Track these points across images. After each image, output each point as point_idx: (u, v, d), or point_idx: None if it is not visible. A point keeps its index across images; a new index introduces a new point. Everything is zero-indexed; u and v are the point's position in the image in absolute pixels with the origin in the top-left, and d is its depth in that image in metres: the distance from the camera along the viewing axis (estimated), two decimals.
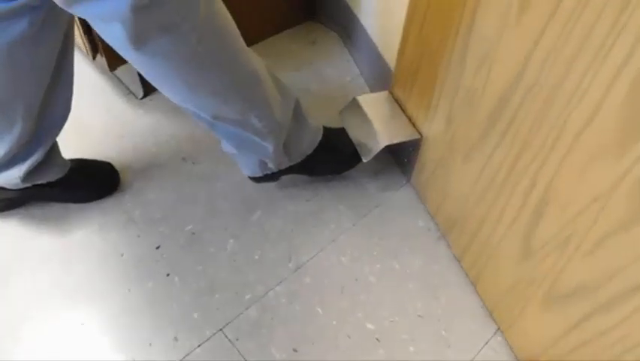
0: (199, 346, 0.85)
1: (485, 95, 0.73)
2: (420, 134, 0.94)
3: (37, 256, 0.94)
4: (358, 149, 0.96)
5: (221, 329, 0.86)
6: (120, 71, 1.09)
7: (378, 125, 0.96)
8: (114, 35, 0.63)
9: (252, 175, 0.97)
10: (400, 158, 1.05)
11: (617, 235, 0.58)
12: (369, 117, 0.97)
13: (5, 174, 0.88)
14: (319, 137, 0.96)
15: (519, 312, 0.80)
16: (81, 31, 0.97)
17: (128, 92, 1.17)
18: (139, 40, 0.63)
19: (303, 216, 1.00)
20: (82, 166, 0.99)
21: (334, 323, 0.88)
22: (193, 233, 0.98)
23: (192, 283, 0.92)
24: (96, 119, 1.12)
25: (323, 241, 0.97)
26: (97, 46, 0.94)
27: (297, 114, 0.90)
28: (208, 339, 0.85)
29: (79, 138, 1.05)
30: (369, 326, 0.87)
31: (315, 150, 0.96)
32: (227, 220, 1.00)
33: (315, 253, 0.95)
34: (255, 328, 0.87)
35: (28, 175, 0.88)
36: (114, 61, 1.02)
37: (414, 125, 0.96)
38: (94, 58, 0.98)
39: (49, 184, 0.94)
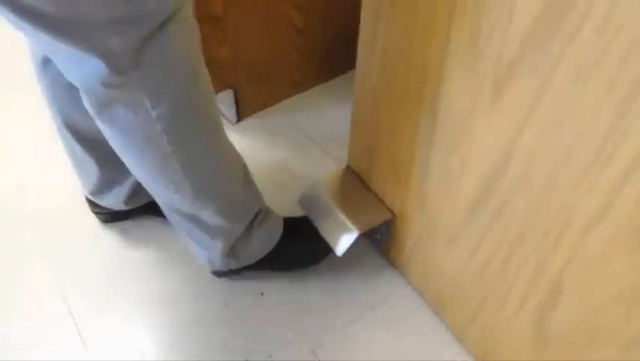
0: None
1: (463, 181, 0.67)
2: (392, 213, 0.87)
3: (136, 266, 0.97)
4: (329, 242, 0.87)
5: (313, 351, 0.85)
6: (217, 97, 1.13)
7: (347, 212, 0.87)
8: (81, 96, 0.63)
9: (206, 267, 0.91)
10: (374, 236, 0.97)
11: None
12: (333, 204, 0.88)
13: (108, 199, 0.93)
14: (277, 238, 0.87)
15: None
16: None
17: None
18: (100, 108, 0.62)
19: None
20: None
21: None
22: None
23: (286, 303, 0.91)
24: None
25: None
26: None
27: (254, 223, 0.83)
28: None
29: None
30: None
31: (276, 248, 0.87)
32: None
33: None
34: (346, 350, 0.86)
35: (129, 199, 0.92)
36: (217, 86, 1.02)
37: (382, 202, 0.88)
38: None
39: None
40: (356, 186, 0.92)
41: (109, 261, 0.97)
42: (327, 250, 0.88)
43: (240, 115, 1.22)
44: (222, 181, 0.75)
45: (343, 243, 0.85)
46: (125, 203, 0.93)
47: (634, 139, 0.44)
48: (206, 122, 0.68)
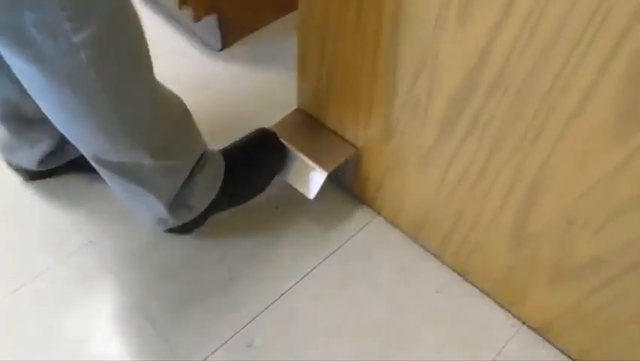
0: None
1: (433, 101, 0.66)
2: (355, 147, 0.85)
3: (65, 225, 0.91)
4: (297, 188, 0.84)
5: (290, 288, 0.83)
6: (199, 23, 1.10)
7: (310, 154, 0.84)
8: None
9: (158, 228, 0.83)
10: (336, 174, 0.95)
11: (629, 211, 0.55)
12: (294, 149, 0.85)
13: (19, 158, 0.85)
14: (221, 172, 0.81)
15: (523, 290, 0.78)
16: None
17: (204, 45, 1.18)
18: (12, 35, 0.50)
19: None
20: None
21: None
22: None
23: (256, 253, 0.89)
24: (177, 72, 1.04)
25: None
26: None
27: (196, 167, 0.76)
28: None
29: None
30: None
31: (222, 187, 0.81)
32: None
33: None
34: (324, 285, 0.85)
35: (45, 160, 0.84)
36: (200, 11, 1.04)
37: (343, 138, 0.86)
38: (179, 8, 1.01)
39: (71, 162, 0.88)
40: (312, 126, 0.88)
41: (34, 224, 0.90)
42: (270, 173, 0.86)
43: (225, 42, 1.17)
44: (160, 123, 0.67)
45: (314, 186, 0.83)
46: (38, 165, 0.85)
47: (610, 30, 0.45)
48: (137, 53, 0.60)
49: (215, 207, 0.82)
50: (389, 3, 0.60)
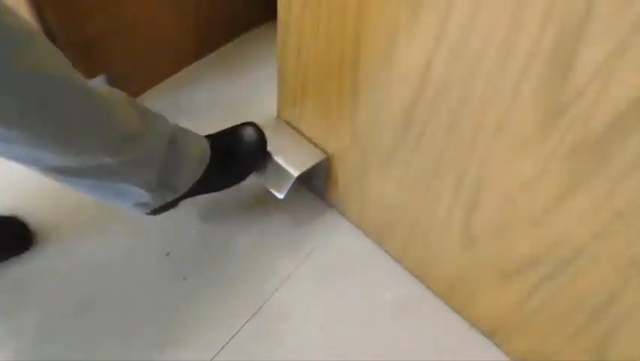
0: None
1: (390, 108, 0.73)
2: (326, 153, 0.92)
3: None
4: (269, 188, 0.91)
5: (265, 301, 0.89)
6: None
7: (283, 157, 0.91)
8: None
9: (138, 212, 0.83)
10: (311, 181, 1.02)
11: (554, 209, 0.62)
12: (269, 152, 0.92)
13: None
14: (207, 156, 0.85)
15: (473, 292, 0.83)
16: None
17: None
18: None
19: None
20: None
21: None
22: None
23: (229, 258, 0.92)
24: None
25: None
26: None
27: (175, 146, 0.79)
28: None
29: None
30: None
31: (206, 170, 0.85)
32: None
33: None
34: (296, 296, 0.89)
35: None
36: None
37: (316, 145, 0.94)
38: None
39: None
40: (288, 133, 0.96)
41: None
42: (251, 165, 0.92)
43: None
44: (104, 123, 0.66)
45: (284, 186, 0.89)
46: None
47: (525, 42, 0.53)
48: (56, 72, 0.59)
49: (194, 190, 0.86)
50: (350, 30, 0.69)
